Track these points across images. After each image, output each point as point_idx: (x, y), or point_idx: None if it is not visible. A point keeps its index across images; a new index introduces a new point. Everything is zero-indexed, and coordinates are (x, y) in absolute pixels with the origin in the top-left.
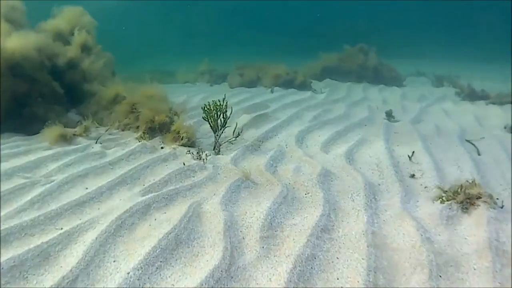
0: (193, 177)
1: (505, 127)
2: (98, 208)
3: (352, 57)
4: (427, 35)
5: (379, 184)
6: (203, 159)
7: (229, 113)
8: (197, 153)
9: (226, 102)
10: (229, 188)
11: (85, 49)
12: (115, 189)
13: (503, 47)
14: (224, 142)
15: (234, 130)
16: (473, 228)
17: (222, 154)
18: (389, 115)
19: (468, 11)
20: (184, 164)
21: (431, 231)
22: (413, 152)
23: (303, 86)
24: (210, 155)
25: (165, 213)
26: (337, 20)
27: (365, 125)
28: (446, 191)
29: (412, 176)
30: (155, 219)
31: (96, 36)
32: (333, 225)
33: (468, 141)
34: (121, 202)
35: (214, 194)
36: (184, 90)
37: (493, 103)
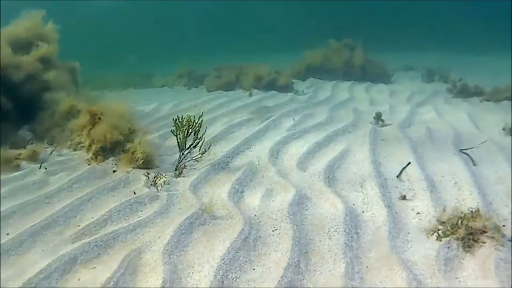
0: (141, 211)
1: (503, 129)
2: (11, 266)
3: (337, 53)
4: (413, 26)
5: (363, 212)
6: (158, 186)
7: (203, 131)
8: (154, 177)
9: (201, 120)
10: (179, 227)
11: (44, 59)
12: (40, 234)
13: (491, 38)
14: (189, 160)
15: (201, 145)
16: (479, 276)
17: (184, 176)
18: (378, 117)
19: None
20: (134, 193)
21: (426, 283)
22: (402, 169)
23: (285, 87)
24: (167, 180)
25: (94, 268)
26: (322, 14)
27: (350, 132)
28: (444, 222)
29: (403, 197)
30: (79, 279)
31: (57, 44)
32: (302, 279)
33: (463, 152)
34: (41, 255)
35: (160, 237)
36: (158, 96)
37: (488, 100)
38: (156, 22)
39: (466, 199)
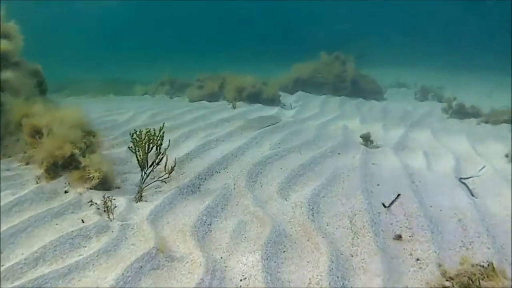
0: (84, 247)
1: (506, 155)
2: None
3: (328, 67)
4: (404, 43)
5: (352, 256)
6: (111, 213)
7: (166, 145)
8: (108, 202)
9: (163, 132)
10: (124, 273)
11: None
12: None
13: (483, 56)
14: (155, 181)
15: (166, 163)
16: None
17: (146, 201)
18: (366, 139)
19: (448, 20)
20: (82, 222)
21: None
22: (392, 201)
23: (271, 100)
24: (125, 206)
25: None
26: (315, 26)
27: (339, 154)
28: (452, 279)
29: (398, 237)
30: None
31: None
32: None
33: (462, 181)
34: None
35: (98, 286)
36: (137, 104)
37: (486, 122)
38: (149, 25)
39: (474, 242)
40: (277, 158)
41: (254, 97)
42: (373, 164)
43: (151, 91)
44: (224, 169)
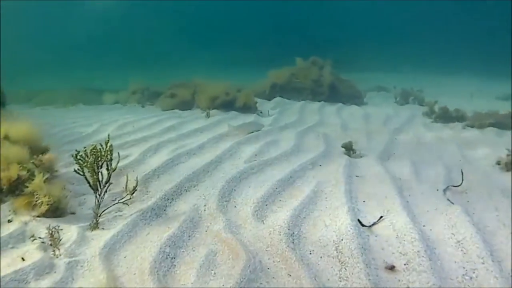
0: None
1: (498, 163)
2: None
3: (305, 71)
4: (382, 47)
5: None
6: (57, 249)
7: (116, 162)
8: (54, 234)
9: (111, 147)
10: None
11: None
12: None
13: (460, 59)
14: (116, 203)
15: (126, 184)
16: None
17: (102, 229)
18: (349, 148)
19: (427, 24)
20: (23, 260)
21: None
22: (374, 223)
23: (247, 107)
24: (76, 238)
25: None
26: (292, 31)
27: (320, 165)
28: None
29: (392, 268)
30: None
31: None
32: None
33: (445, 192)
34: None
35: None
36: (106, 114)
37: (471, 127)
38: (122, 31)
39: (478, 270)
40: (253, 172)
41: (229, 105)
42: (357, 176)
43: (122, 100)
44: (194, 186)
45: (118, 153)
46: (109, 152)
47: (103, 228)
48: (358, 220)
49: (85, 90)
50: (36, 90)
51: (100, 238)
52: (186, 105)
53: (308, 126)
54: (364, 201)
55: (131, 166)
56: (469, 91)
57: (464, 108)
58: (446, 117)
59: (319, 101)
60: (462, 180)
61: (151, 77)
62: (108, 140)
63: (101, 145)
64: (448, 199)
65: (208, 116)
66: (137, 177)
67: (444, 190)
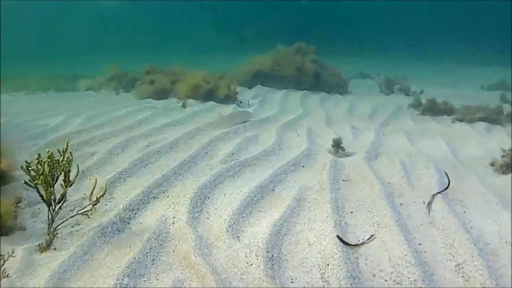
0: None
1: (492, 164)
2: None
3: (288, 58)
4: (365, 32)
5: None
6: None
7: (75, 173)
8: None
9: (69, 156)
10: None
11: None
12: None
13: (440, 45)
14: (73, 215)
15: (92, 192)
16: None
17: (54, 249)
18: (337, 145)
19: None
20: None
21: None
22: (362, 243)
23: (227, 97)
24: (19, 263)
25: None
26: (276, 15)
27: (303, 167)
28: None
29: None
30: None
31: None
32: None
33: (431, 200)
34: None
35: None
36: (75, 103)
37: (461, 121)
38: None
39: None
40: (229, 175)
41: (209, 94)
42: (344, 180)
43: (96, 87)
44: (164, 193)
45: (78, 166)
46: (67, 163)
47: (55, 249)
48: (339, 237)
49: (61, 76)
50: (10, 75)
51: (49, 264)
52: (163, 94)
53: (290, 119)
54: (351, 212)
55: (96, 166)
56: (454, 80)
57: (450, 98)
58: (434, 109)
59: (302, 90)
60: (449, 183)
61: (128, 63)
62: (67, 148)
63: (59, 152)
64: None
65: (184, 106)
66: (106, 186)
67: (429, 204)
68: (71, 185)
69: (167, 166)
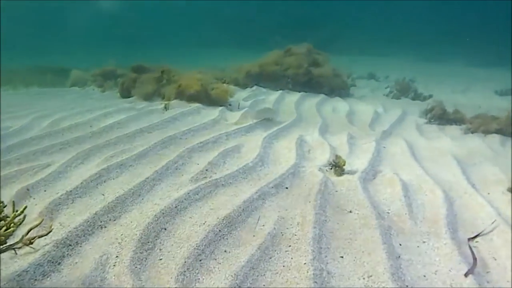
0: None
1: (510, 190)
2: None
3: (291, 58)
4: (372, 31)
5: None
6: None
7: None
8: None
9: (23, 213)
10: None
11: None
12: None
13: (453, 46)
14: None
15: (31, 230)
16: None
17: None
18: (336, 165)
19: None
20: None
21: None
22: None
23: (217, 99)
24: None
25: None
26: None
27: (286, 188)
28: None
29: None
30: None
31: None
32: None
33: (470, 248)
34: None
35: None
36: (51, 102)
37: (473, 132)
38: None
39: None
40: (196, 199)
41: (197, 96)
42: (334, 210)
43: (82, 83)
44: (114, 220)
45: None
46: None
47: None
48: None
49: (50, 69)
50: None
51: None
52: (147, 94)
53: (282, 127)
54: (341, 257)
55: (45, 183)
56: (464, 83)
57: (461, 104)
58: (443, 118)
59: (299, 92)
60: (474, 260)
61: (125, 59)
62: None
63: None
64: (469, 242)
65: (166, 109)
66: (53, 219)
67: (468, 240)
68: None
69: (127, 184)
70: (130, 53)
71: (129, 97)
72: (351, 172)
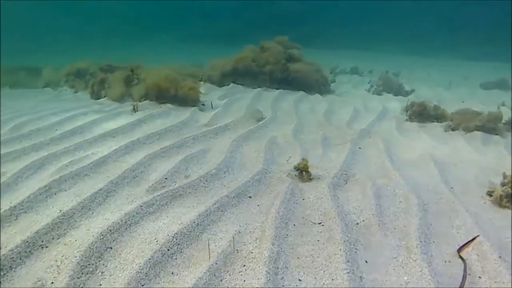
0: None
1: (489, 194)
2: None
3: (267, 54)
4: (355, 25)
5: None
6: None
7: None
8: None
9: None
10: None
11: None
12: None
13: (439, 40)
14: None
15: None
16: None
17: None
18: (303, 167)
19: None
20: None
21: None
22: None
23: (189, 99)
24: None
25: None
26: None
27: (249, 197)
28: None
29: None
30: None
31: None
32: None
33: (463, 262)
34: None
35: None
36: (18, 105)
37: (453, 129)
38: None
39: None
40: (150, 212)
41: (168, 96)
42: (295, 224)
43: (56, 83)
44: (58, 238)
45: None
46: None
47: None
48: None
49: (23, 69)
50: None
51: None
52: (117, 95)
53: (251, 129)
54: (300, 280)
55: None
56: (449, 76)
57: (444, 99)
58: (423, 115)
59: (278, 89)
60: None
61: (105, 55)
62: None
63: None
64: (459, 254)
65: (135, 110)
66: None
67: (458, 251)
68: None
69: (79, 196)
70: (112, 49)
71: (98, 99)
72: (322, 177)
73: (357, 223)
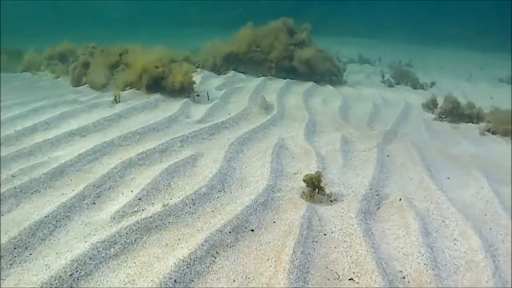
0: None
1: None
2: None
3: (271, 38)
4: (363, 12)
5: None
6: None
7: None
8: None
9: None
10: None
11: None
12: None
13: (450, 29)
14: None
15: None
16: None
17: None
18: (314, 185)
19: None
20: None
21: None
22: None
23: (182, 88)
24: None
25: None
26: None
27: (252, 231)
28: None
29: None
30: None
31: None
32: None
33: None
34: None
35: None
36: None
37: (493, 133)
38: None
39: None
40: (109, 257)
41: (157, 84)
42: (318, 275)
43: (37, 66)
44: (21, 264)
45: None
46: None
47: None
48: None
49: (5, 51)
50: None
51: None
52: (99, 82)
53: (257, 126)
54: None
55: None
56: (465, 68)
57: (468, 94)
58: (455, 113)
59: (284, 79)
60: None
61: (98, 39)
62: None
63: None
64: None
65: (116, 102)
66: None
67: None
68: None
69: (17, 226)
70: (110, 33)
71: (78, 86)
72: (346, 198)
73: (403, 278)
